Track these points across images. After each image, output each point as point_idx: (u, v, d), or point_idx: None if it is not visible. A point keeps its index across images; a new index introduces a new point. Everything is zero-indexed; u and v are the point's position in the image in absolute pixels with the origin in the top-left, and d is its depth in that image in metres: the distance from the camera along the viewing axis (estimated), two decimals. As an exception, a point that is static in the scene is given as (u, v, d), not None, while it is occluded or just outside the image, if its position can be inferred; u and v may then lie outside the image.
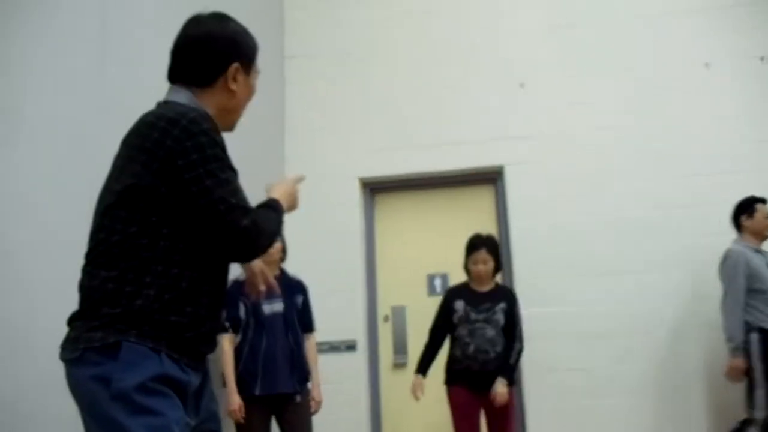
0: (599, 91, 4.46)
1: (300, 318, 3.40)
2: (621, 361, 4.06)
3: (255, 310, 3.26)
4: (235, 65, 1.59)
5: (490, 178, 4.60)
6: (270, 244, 1.53)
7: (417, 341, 4.42)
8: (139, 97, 2.74)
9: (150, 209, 1.41)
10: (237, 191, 1.45)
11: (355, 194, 4.61)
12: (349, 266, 4.46)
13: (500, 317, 3.46)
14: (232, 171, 1.48)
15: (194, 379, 1.48)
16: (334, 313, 4.16)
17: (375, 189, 4.75)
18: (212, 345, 1.56)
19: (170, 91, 1.59)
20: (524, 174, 4.42)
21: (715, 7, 4.46)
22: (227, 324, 3.24)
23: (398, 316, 4.50)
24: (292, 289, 3.41)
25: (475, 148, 4.50)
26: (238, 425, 3.17)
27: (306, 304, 3.48)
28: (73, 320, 1.43)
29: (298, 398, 3.28)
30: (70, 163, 2.27)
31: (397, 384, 4.42)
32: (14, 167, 2.01)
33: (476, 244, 3.58)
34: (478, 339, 3.42)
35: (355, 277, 4.47)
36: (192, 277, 1.44)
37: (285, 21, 4.96)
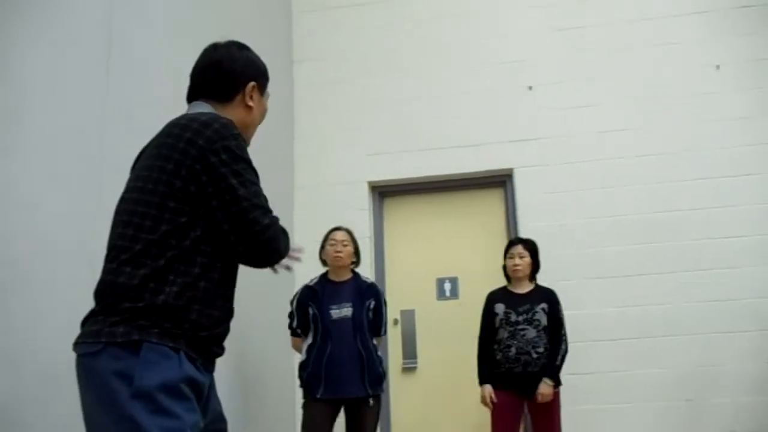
0: (608, 94, 4.45)
1: (370, 321, 3.39)
2: (630, 364, 4.03)
3: (322, 315, 3.31)
4: (252, 84, 1.71)
5: (500, 181, 4.58)
6: (281, 255, 1.59)
7: (426, 345, 4.42)
8: (144, 103, 2.76)
9: (180, 210, 1.46)
10: (260, 194, 1.54)
11: (365, 198, 4.61)
12: (358, 270, 4.45)
13: (541, 317, 3.44)
14: (257, 176, 1.58)
15: (207, 381, 1.50)
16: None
17: (384, 193, 4.75)
18: (223, 348, 1.58)
19: (192, 106, 1.68)
20: (534, 177, 4.41)
21: (725, 8, 4.43)
22: (299, 330, 3.40)
23: (407, 319, 4.49)
24: (363, 293, 3.41)
25: (485, 151, 4.49)
26: (303, 423, 3.32)
27: (378, 309, 3.44)
28: (93, 315, 1.44)
29: (371, 402, 3.29)
30: (73, 170, 2.26)
31: (406, 388, 4.41)
32: (18, 174, 2.01)
33: (513, 241, 3.69)
34: (519, 341, 3.40)
35: (365, 280, 4.46)
36: (211, 279, 1.49)
37: (294, 25, 4.97)
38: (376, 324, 3.43)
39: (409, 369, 4.43)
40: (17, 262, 1.97)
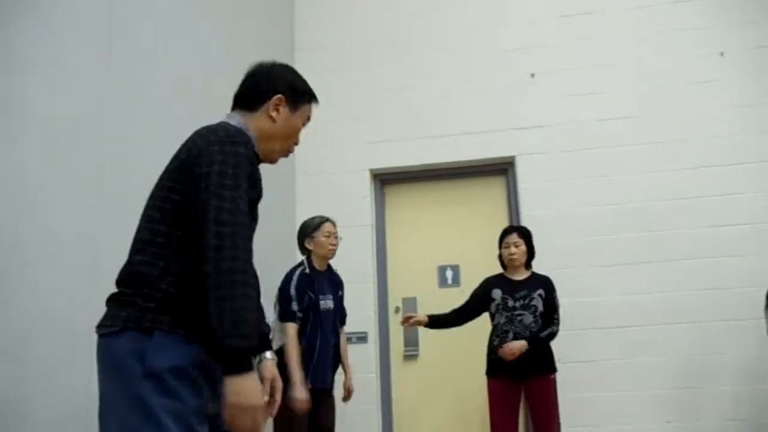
0: (611, 81, 4.43)
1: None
2: (630, 353, 4.05)
3: (315, 305, 3.25)
4: (279, 96, 1.71)
5: (502, 169, 4.58)
6: (227, 270, 1.39)
7: (428, 333, 4.43)
8: (145, 92, 2.76)
9: (176, 212, 1.52)
10: (235, 199, 1.45)
11: (366, 186, 4.61)
12: (360, 258, 4.46)
13: (538, 303, 3.47)
14: (242, 190, 1.49)
15: (220, 368, 1.48)
16: (345, 304, 4.16)
17: (386, 180, 4.75)
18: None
19: (225, 117, 1.73)
20: (535, 164, 4.41)
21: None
22: (300, 315, 3.20)
23: (409, 307, 4.50)
24: (337, 285, 3.45)
25: (486, 139, 4.49)
26: (280, 417, 2.79)
27: (343, 299, 3.51)
28: (113, 299, 1.53)
29: (333, 391, 3.34)
30: (75, 158, 2.28)
31: (407, 375, 4.44)
32: (21, 163, 2.02)
33: (508, 229, 3.68)
34: (516, 326, 3.43)
35: (366, 268, 4.48)
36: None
37: (295, 13, 4.95)
38: (343, 313, 3.51)
39: (410, 356, 4.46)
40: (19, 249, 1.99)
